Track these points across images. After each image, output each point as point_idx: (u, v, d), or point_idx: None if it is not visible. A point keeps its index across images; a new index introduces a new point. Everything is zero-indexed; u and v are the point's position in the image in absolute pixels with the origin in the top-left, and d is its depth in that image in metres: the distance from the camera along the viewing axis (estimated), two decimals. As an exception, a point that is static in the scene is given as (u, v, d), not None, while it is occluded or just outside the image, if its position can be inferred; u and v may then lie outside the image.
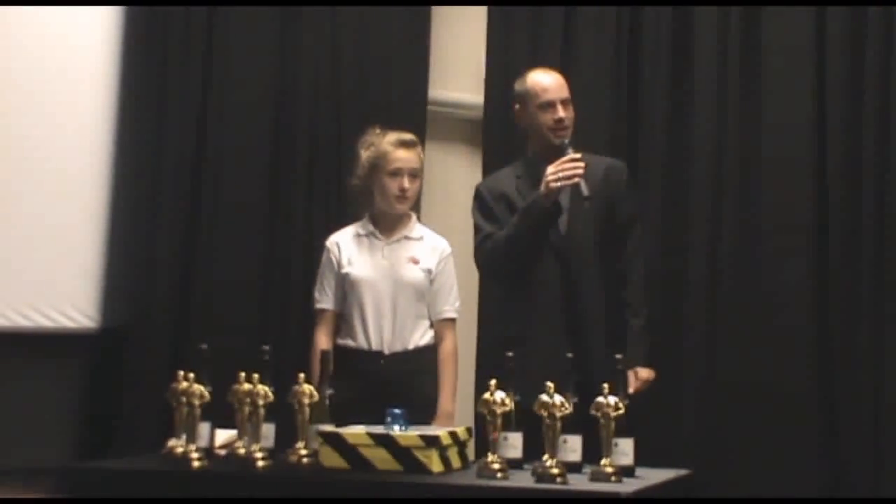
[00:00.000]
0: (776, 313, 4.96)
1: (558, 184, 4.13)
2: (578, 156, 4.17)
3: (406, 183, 4.28)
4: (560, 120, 4.30)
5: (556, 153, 4.24)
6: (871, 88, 4.89)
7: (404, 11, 5.76)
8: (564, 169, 4.13)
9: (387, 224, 4.36)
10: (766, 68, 5.11)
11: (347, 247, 4.37)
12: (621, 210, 4.35)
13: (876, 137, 4.86)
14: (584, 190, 4.13)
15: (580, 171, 4.13)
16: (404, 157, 4.30)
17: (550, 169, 4.15)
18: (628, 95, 5.32)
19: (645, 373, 4.27)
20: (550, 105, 4.32)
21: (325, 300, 4.37)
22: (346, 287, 4.32)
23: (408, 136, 4.36)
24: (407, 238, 4.36)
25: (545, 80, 4.39)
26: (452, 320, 4.36)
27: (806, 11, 5.03)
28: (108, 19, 5.62)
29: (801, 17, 5.04)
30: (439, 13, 5.84)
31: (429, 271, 4.32)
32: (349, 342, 4.30)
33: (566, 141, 4.27)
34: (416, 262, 4.32)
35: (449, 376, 4.28)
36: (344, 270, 4.33)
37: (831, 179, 4.95)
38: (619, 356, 3.46)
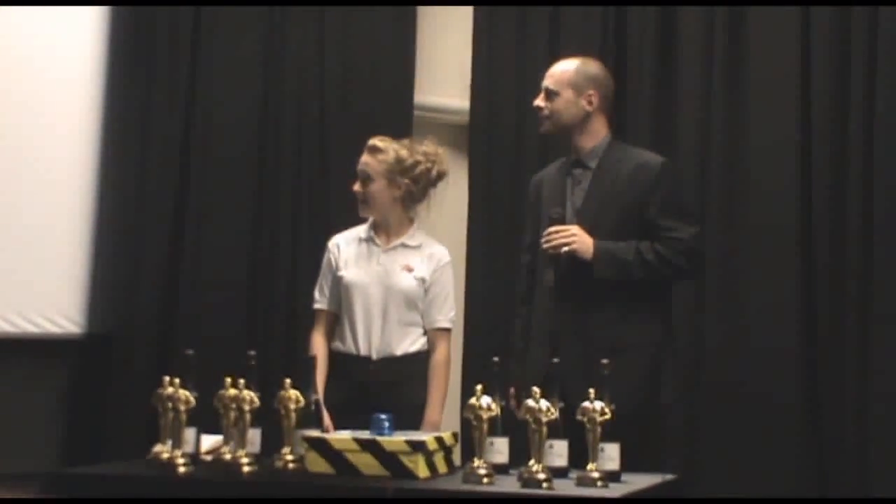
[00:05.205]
0: (761, 315, 4.97)
1: (553, 252, 4.01)
2: (556, 228, 4.02)
3: (357, 186, 4.31)
4: (539, 108, 4.21)
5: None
6: (856, 88, 4.89)
7: (390, 14, 5.76)
8: (550, 240, 4.01)
9: (386, 230, 4.35)
10: (751, 68, 5.12)
11: (346, 249, 4.36)
12: (650, 209, 4.06)
13: (862, 136, 4.87)
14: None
15: (569, 241, 3.99)
16: (361, 161, 4.32)
17: (543, 241, 4.05)
18: (614, 95, 5.31)
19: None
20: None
21: (322, 300, 4.36)
22: (340, 290, 4.32)
23: (373, 142, 4.32)
24: (404, 245, 4.33)
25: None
26: (446, 330, 4.31)
27: (791, 11, 5.04)
28: (94, 21, 5.61)
29: (787, 16, 5.05)
30: (426, 17, 5.84)
31: (423, 280, 4.28)
32: (339, 346, 4.29)
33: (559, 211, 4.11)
34: (410, 269, 4.29)
35: (438, 386, 4.24)
36: (339, 273, 4.32)
37: (817, 179, 4.96)
38: (604, 361, 3.44)
